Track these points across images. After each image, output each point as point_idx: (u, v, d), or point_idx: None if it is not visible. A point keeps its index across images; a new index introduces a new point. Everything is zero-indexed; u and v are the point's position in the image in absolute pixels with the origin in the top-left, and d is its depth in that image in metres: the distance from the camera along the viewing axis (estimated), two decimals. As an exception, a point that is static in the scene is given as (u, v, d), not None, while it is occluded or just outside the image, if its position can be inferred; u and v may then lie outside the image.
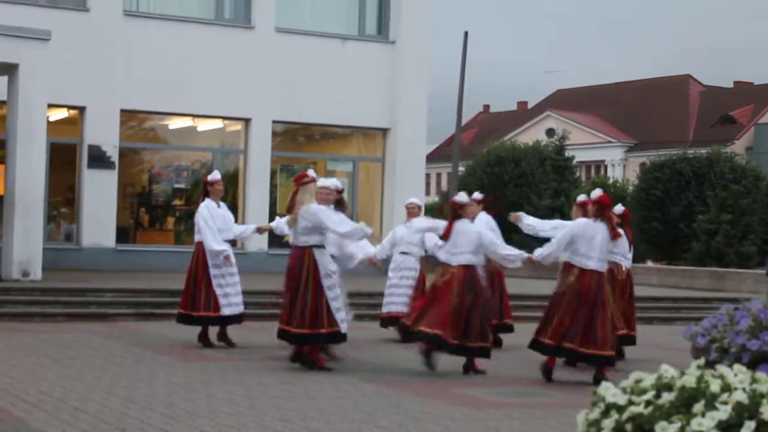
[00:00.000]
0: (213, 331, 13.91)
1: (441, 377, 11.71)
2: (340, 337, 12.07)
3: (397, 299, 15.23)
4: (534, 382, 11.83)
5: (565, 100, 78.67)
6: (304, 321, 11.83)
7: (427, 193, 58.46)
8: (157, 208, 26.46)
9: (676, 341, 12.70)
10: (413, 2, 26.81)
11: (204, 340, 13.78)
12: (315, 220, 11.86)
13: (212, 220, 13.69)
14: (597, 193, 12.38)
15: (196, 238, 13.88)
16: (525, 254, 12.59)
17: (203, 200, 13.97)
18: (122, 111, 24.33)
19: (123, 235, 24.92)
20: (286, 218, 12.68)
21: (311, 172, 12.39)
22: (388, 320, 15.33)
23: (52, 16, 22.98)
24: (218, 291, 13.58)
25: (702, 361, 5.80)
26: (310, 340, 11.93)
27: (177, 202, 26.45)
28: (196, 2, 25.71)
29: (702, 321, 7.65)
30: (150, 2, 25.15)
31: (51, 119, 22.03)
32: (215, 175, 14.12)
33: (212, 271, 13.58)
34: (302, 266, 11.93)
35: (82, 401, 9.31)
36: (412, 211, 15.61)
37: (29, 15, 22.38)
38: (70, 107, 24.07)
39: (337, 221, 11.98)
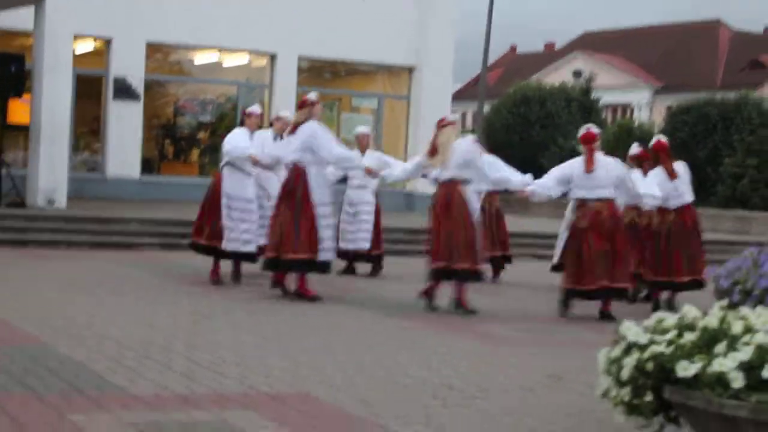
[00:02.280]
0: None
1: (463, 315, 11.75)
2: None
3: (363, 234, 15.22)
4: (556, 319, 11.86)
5: (593, 43, 78.04)
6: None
7: (452, 132, 58.25)
8: (181, 140, 26.52)
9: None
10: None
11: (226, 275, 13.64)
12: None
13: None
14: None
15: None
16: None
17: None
18: (148, 44, 24.31)
19: (147, 166, 25.01)
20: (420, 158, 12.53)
21: (453, 117, 12.45)
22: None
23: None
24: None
25: (725, 302, 5.82)
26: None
27: (201, 134, 26.50)
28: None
29: (725, 263, 7.66)
30: (180, -65, 24.99)
31: (77, 51, 22.03)
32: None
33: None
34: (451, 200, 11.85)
35: (106, 327, 9.41)
36: (362, 142, 15.46)
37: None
38: (96, 38, 24.05)
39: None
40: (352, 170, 14.03)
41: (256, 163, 13.10)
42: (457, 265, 11.70)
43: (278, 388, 7.32)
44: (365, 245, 15.13)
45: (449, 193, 11.84)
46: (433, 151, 12.02)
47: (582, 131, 12.43)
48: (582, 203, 12.12)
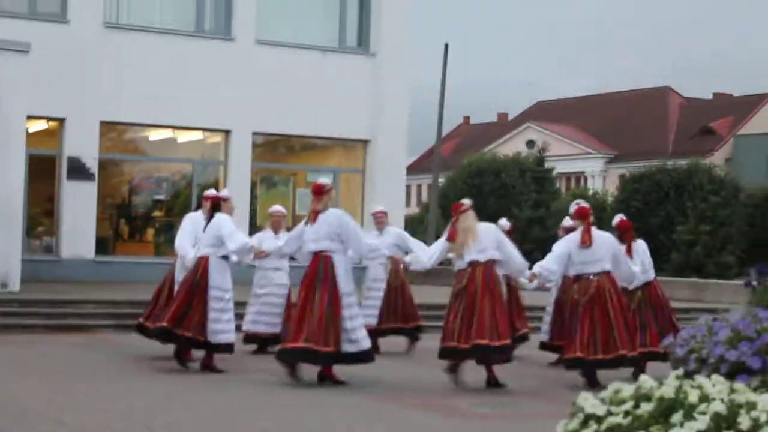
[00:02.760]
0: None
1: (424, 388, 11.69)
2: None
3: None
4: (515, 392, 11.83)
5: (546, 112, 78.94)
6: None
7: (408, 204, 58.57)
8: (136, 219, 26.41)
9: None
10: (393, 15, 26.88)
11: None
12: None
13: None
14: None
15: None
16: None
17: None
18: (102, 123, 24.29)
19: (102, 246, 24.84)
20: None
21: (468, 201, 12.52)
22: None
23: (32, 28, 22.94)
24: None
25: (681, 371, 5.83)
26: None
27: (157, 213, 26.41)
28: (176, 14, 25.70)
29: (681, 332, 7.69)
30: (130, 14, 25.11)
31: (30, 131, 21.99)
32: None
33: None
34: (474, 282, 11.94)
35: (61, 413, 9.28)
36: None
37: (8, 27, 22.30)
38: (49, 119, 24.02)
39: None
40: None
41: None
42: (495, 343, 11.74)
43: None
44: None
45: (486, 274, 11.91)
46: (453, 237, 12.12)
47: (574, 207, 12.65)
48: (578, 279, 12.26)
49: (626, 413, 5.21)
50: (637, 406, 5.26)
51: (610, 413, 5.25)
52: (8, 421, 8.85)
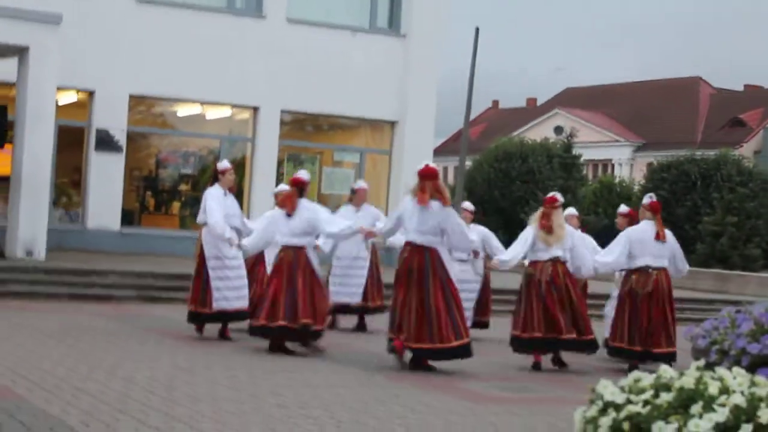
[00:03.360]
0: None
1: (443, 372, 11.71)
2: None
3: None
4: (534, 377, 11.85)
5: (575, 99, 78.61)
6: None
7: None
8: (163, 192, 26.50)
9: (678, 342, 12.78)
10: (425, -5, 26.80)
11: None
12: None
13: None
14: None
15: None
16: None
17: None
18: (131, 96, 24.36)
19: (128, 218, 24.97)
20: None
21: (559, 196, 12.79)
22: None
23: (64, 0, 22.98)
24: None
25: (702, 362, 5.82)
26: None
27: (183, 187, 26.49)
28: (209, -10, 25.70)
29: (703, 323, 7.68)
30: (163, -12, 25.14)
31: (60, 102, 22.07)
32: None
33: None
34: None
35: (83, 381, 9.36)
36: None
37: (41, -3, 22.40)
38: (79, 90, 24.10)
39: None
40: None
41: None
42: (565, 336, 12.26)
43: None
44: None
45: (561, 272, 12.35)
46: (549, 229, 12.27)
47: (647, 200, 12.90)
48: (642, 270, 12.46)
49: (645, 402, 5.22)
50: (656, 395, 5.26)
51: (629, 402, 5.26)
52: (30, 386, 8.93)
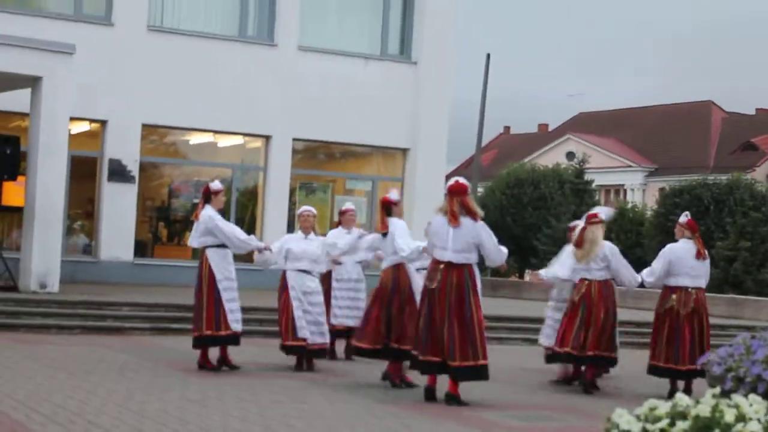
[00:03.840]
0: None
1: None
2: None
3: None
4: (546, 405, 11.78)
5: (586, 124, 78.59)
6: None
7: (446, 213, 58.34)
8: (176, 222, 26.52)
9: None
10: (436, 23, 26.89)
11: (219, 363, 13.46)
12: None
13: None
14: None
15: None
16: None
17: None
18: (143, 125, 24.43)
19: (141, 249, 24.98)
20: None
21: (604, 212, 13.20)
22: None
23: (77, 30, 23.12)
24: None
25: (717, 390, 5.77)
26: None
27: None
28: (221, 19, 25.82)
29: (718, 350, 7.63)
30: (174, 18, 25.26)
31: (72, 132, 22.13)
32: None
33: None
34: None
35: (96, 414, 9.32)
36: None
37: (54, 28, 22.55)
38: (92, 120, 24.19)
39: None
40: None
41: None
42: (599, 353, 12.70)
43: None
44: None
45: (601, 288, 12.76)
46: (580, 244, 12.40)
47: (684, 219, 13.06)
48: (677, 290, 12.77)
49: (662, 431, 5.17)
50: (672, 424, 5.21)
51: (645, 430, 5.21)
52: (43, 421, 8.89)
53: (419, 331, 11.46)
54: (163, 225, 26.45)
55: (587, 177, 46.34)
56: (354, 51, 26.65)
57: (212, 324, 13.13)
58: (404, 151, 26.97)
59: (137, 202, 24.39)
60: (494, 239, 11.61)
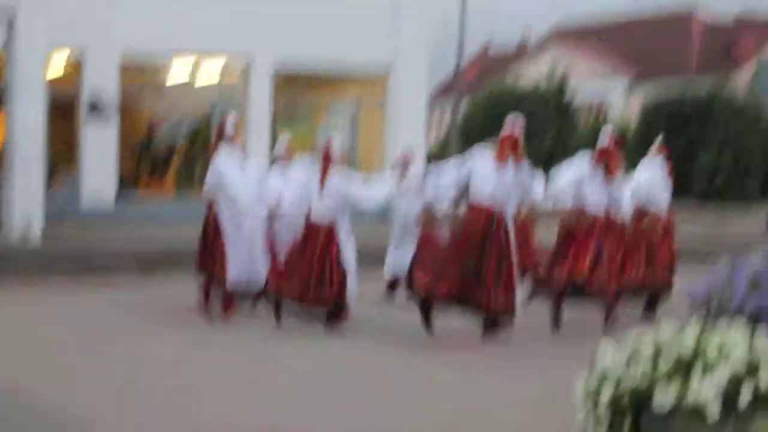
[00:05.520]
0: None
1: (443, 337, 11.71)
2: None
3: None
4: (533, 334, 11.86)
5: (566, 36, 78.26)
6: None
7: (437, 131, 58.69)
8: (158, 156, 26.32)
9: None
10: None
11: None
12: None
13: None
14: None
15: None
16: None
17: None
18: (123, 54, 23.96)
19: (124, 186, 24.78)
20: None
21: None
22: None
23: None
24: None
25: (701, 318, 5.82)
26: None
27: (178, 152, 26.29)
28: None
29: (701, 277, 7.67)
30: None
31: (49, 71, 21.83)
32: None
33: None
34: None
35: (86, 368, 9.34)
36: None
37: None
38: (70, 49, 23.66)
39: None
40: None
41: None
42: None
43: (258, 421, 7.32)
44: None
45: None
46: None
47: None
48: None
49: (644, 373, 5.22)
50: (655, 363, 5.26)
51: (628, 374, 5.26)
52: (23, 373, 8.91)
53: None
54: (146, 159, 26.23)
55: (569, 91, 46.14)
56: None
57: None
58: (385, 75, 26.72)
59: (118, 138, 24.09)
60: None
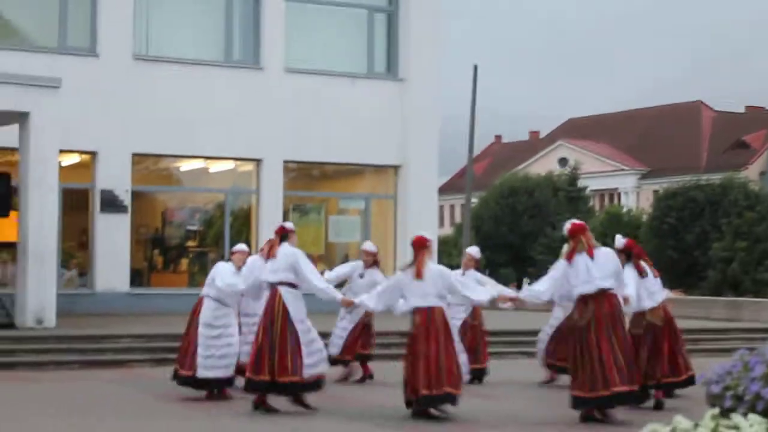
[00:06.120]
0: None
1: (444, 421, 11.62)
2: None
3: None
4: (543, 423, 11.73)
5: (577, 129, 78.68)
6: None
7: (441, 225, 58.60)
8: (170, 249, 26.47)
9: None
10: (421, 39, 26.87)
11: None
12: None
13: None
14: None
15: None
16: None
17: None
18: (134, 154, 24.39)
19: (137, 278, 24.91)
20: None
21: None
22: None
23: (63, 63, 23.08)
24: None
25: (716, 410, 5.75)
26: None
27: (190, 243, 26.46)
28: (206, 45, 25.79)
29: (715, 366, 7.59)
30: (160, 46, 25.23)
31: (63, 164, 22.09)
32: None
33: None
34: None
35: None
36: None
37: (39, 62, 22.51)
38: (81, 152, 24.14)
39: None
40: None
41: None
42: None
43: None
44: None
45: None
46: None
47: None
48: None
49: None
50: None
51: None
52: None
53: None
54: (158, 253, 26.40)
55: (581, 182, 46.39)
56: (340, 70, 26.63)
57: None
58: (396, 167, 26.92)
59: (131, 232, 24.31)
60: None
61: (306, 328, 11.99)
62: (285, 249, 12.25)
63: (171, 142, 24.67)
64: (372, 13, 27.09)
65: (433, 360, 11.32)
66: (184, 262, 26.47)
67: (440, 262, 21.61)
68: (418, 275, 11.46)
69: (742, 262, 35.23)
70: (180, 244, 26.48)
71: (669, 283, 13.47)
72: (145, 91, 24.30)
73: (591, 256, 11.57)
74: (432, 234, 15.95)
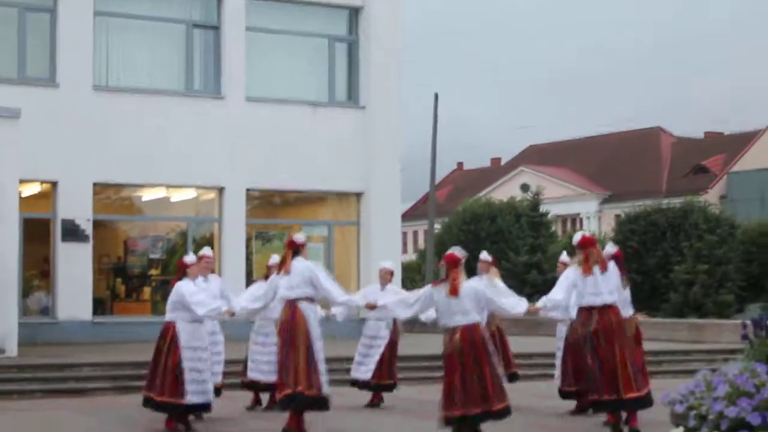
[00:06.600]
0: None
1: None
2: None
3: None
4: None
5: (538, 155, 79.14)
6: None
7: (404, 251, 58.54)
8: (133, 278, 26.34)
9: (658, 396, 12.63)
10: (381, 67, 26.99)
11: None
12: None
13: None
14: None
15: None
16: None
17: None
18: (95, 184, 24.29)
19: (100, 306, 24.77)
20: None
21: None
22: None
23: (22, 93, 22.99)
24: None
25: (680, 429, 5.80)
26: None
27: (153, 272, 26.34)
28: (166, 74, 25.77)
29: (679, 386, 7.63)
30: (119, 76, 25.19)
31: (24, 194, 21.99)
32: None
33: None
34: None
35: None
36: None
37: (-1, 92, 22.42)
38: (42, 182, 24.03)
39: None
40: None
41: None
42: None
43: None
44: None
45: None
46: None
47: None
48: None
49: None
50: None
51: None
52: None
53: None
54: (121, 281, 26.26)
55: (543, 207, 46.55)
56: (301, 99, 26.66)
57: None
58: (358, 194, 26.96)
59: (93, 261, 24.19)
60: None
61: (320, 347, 12.03)
62: (299, 263, 12.15)
63: (132, 171, 24.62)
64: (333, 42, 27.19)
65: (477, 377, 11.12)
66: (147, 291, 26.35)
67: (404, 287, 21.66)
68: (453, 292, 11.25)
69: (704, 285, 35.47)
70: (142, 272, 26.36)
71: (633, 305, 13.45)
72: (105, 121, 24.24)
73: (603, 269, 11.83)
74: (395, 260, 16.10)
